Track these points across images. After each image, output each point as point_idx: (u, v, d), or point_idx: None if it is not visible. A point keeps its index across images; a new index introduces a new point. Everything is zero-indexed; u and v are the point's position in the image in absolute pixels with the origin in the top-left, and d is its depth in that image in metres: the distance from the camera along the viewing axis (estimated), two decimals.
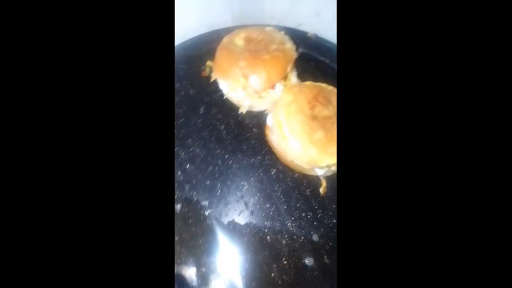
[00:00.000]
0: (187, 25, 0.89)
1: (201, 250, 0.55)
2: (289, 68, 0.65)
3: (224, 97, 0.72)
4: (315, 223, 0.60)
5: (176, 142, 0.67)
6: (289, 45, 0.67)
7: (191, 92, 0.75)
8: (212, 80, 0.71)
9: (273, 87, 0.67)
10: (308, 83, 0.66)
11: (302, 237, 0.58)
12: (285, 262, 0.55)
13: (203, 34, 0.86)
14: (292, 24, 0.97)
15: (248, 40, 0.68)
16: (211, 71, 0.73)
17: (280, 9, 1.00)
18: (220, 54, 0.67)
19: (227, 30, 0.75)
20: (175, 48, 0.81)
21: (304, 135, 0.56)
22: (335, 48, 0.84)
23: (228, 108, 0.72)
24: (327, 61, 0.82)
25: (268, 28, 0.75)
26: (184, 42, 0.83)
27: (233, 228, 0.58)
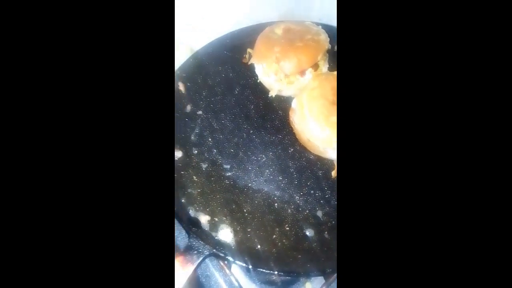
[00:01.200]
0: (236, 21, 1.01)
1: (217, 203, 0.64)
2: (319, 57, 0.71)
3: (258, 81, 0.80)
4: (321, 201, 0.64)
5: (212, 114, 0.77)
6: (323, 37, 0.73)
7: (230, 75, 0.85)
8: (249, 63, 0.79)
9: (302, 73, 0.73)
10: (335, 72, 0.70)
11: (307, 211, 0.63)
12: (287, 228, 0.61)
13: (248, 26, 0.95)
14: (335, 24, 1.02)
15: (287, 30, 0.75)
16: (250, 58, 0.82)
17: (327, 11, 1.05)
18: (259, 40, 0.75)
19: (271, 23, 0.84)
20: (223, 37, 0.92)
21: (321, 116, 0.61)
22: None
23: (260, 91, 0.80)
24: None
25: (307, 22, 0.81)
26: (231, 32, 0.94)
27: (246, 191, 0.65)
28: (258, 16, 1.03)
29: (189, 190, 0.65)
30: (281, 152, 0.70)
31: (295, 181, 0.66)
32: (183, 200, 0.64)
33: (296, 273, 0.57)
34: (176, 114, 0.76)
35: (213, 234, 0.60)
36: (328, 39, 0.74)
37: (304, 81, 0.74)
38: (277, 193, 0.65)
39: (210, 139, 0.73)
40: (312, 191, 0.65)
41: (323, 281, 0.64)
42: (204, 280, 0.64)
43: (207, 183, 0.66)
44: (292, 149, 0.71)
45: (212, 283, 0.64)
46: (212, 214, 0.62)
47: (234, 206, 0.63)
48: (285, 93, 0.77)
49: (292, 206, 0.63)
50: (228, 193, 0.65)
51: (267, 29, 0.78)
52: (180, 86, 0.82)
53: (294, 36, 0.73)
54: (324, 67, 0.77)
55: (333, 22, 1.03)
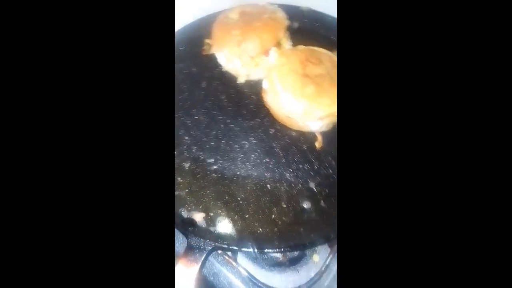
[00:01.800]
0: (187, 13, 0.97)
1: (209, 198, 0.61)
2: (281, 34, 0.71)
3: (223, 70, 0.78)
4: (311, 173, 0.64)
5: (182, 112, 0.74)
6: (281, 14, 0.73)
7: (193, 69, 0.82)
8: (210, 53, 0.77)
9: (266, 53, 0.72)
10: (300, 47, 0.71)
11: (300, 185, 0.63)
12: (284, 205, 0.60)
13: (201, 17, 0.93)
14: (292, 2, 1.02)
15: (242, 14, 0.74)
16: (210, 48, 0.80)
17: None
18: (216, 28, 0.74)
19: (224, 11, 0.82)
20: (176, 33, 0.88)
21: (296, 90, 0.62)
22: (329, 18, 0.88)
23: (227, 79, 0.78)
24: (321, 31, 0.86)
25: (262, 3, 0.81)
26: (184, 27, 0.91)
27: (236, 179, 0.63)
28: (209, 8, 1.00)
29: (177, 193, 0.62)
30: (263, 134, 0.70)
31: (282, 160, 0.66)
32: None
33: (302, 246, 0.57)
34: None
35: (211, 229, 0.57)
36: (286, 16, 0.74)
37: (270, 60, 0.73)
38: (267, 174, 0.64)
39: (187, 137, 0.70)
40: (300, 166, 0.65)
41: (329, 249, 0.65)
42: (212, 278, 0.62)
43: (194, 181, 0.63)
44: (273, 130, 0.70)
45: (222, 279, 0.62)
46: (206, 210, 0.60)
47: (227, 197, 0.61)
48: (254, 76, 0.76)
49: (285, 184, 0.63)
50: (218, 185, 0.63)
51: (221, 16, 0.76)
52: None
53: (251, 17, 0.72)
54: (287, 44, 0.77)
55: (289, 1, 1.04)
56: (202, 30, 0.85)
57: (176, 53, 0.82)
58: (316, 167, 0.65)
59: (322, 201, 0.61)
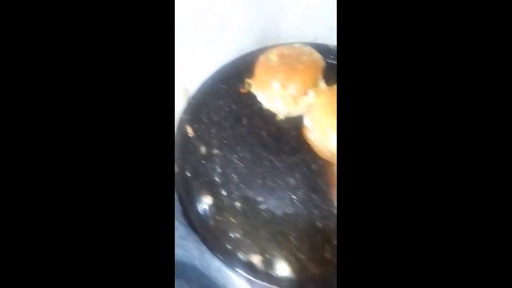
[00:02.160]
0: (215, 52, 1.03)
1: (262, 239, 0.63)
2: (319, 75, 0.75)
3: (264, 107, 0.83)
4: None
5: (227, 151, 0.78)
6: (317, 55, 0.78)
7: (233, 107, 0.86)
8: (249, 92, 0.81)
9: (306, 93, 0.76)
10: (335, 86, 0.75)
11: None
12: (335, 243, 0.62)
13: (236, 58, 0.98)
14: (308, 38, 1.08)
15: (281, 56, 0.79)
16: (250, 87, 0.84)
17: (295, 26, 1.11)
18: (259, 69, 0.78)
19: (261, 50, 0.87)
20: (214, 73, 0.93)
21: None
22: None
23: (267, 116, 0.82)
24: None
25: (296, 45, 0.86)
26: (222, 67, 0.96)
27: (286, 218, 0.66)
28: (238, 45, 1.07)
29: (231, 235, 0.64)
30: (307, 170, 0.72)
31: (326, 195, 0.68)
32: (229, 247, 0.62)
33: None
34: (192, 159, 0.75)
35: (271, 272, 0.59)
36: (322, 57, 0.79)
37: (309, 99, 0.77)
38: (315, 211, 0.66)
39: (234, 175, 0.73)
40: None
41: None
42: None
43: (247, 221, 0.66)
44: (315, 166, 0.73)
45: None
46: (262, 251, 0.62)
47: (280, 237, 0.63)
48: (293, 114, 0.79)
49: (332, 220, 0.65)
50: (271, 225, 0.65)
51: (261, 58, 0.81)
52: (188, 130, 0.81)
53: (290, 59, 0.77)
54: (321, 83, 0.81)
55: (303, 38, 1.10)
56: (239, 68, 0.90)
57: (217, 91, 0.88)
58: None
59: None
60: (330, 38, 1.06)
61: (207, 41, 1.02)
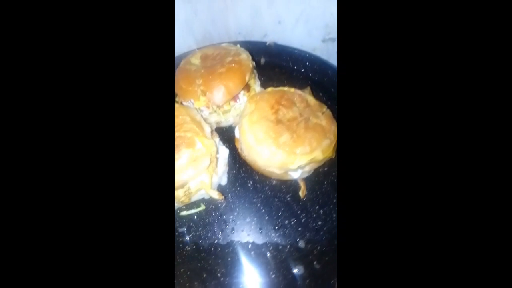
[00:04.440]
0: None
1: (183, 279, 0.52)
2: (247, 77, 0.65)
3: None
4: (299, 228, 0.57)
5: None
6: (245, 55, 0.68)
7: None
8: (179, 103, 0.70)
9: (235, 99, 0.67)
10: (269, 89, 0.66)
11: (288, 246, 0.55)
12: (273, 275, 0.52)
13: None
14: (258, 36, 1.00)
15: (204, 58, 0.69)
16: (176, 96, 0.73)
17: (244, 24, 1.03)
18: (178, 76, 0.67)
19: (187, 53, 0.77)
20: None
21: (269, 140, 0.55)
22: (296, 51, 0.85)
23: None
24: (290, 64, 0.83)
25: (223, 44, 0.76)
26: None
27: (214, 251, 0.55)
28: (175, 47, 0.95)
29: None
30: (240, 188, 0.62)
31: (265, 217, 0.59)
32: None
33: None
34: None
35: None
36: (250, 57, 0.69)
37: (240, 105, 0.68)
38: (250, 238, 0.56)
39: None
40: (286, 221, 0.58)
41: None
42: None
43: None
44: (251, 181, 0.63)
45: None
46: None
47: (205, 275, 0.53)
48: (224, 124, 0.69)
49: (271, 247, 0.55)
50: (194, 261, 0.54)
51: (182, 62, 0.71)
52: None
53: (214, 62, 0.67)
54: (256, 85, 0.72)
55: (253, 35, 1.01)
56: None
57: None
58: (303, 220, 0.58)
59: (315, 262, 0.54)
60: (279, 33, 1.00)
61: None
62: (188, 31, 1.00)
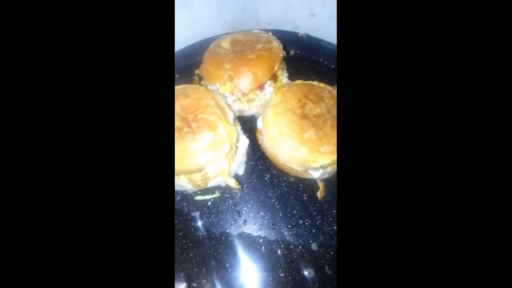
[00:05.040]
0: (179, 37, 0.91)
1: (192, 264, 0.52)
2: (276, 67, 0.63)
3: None
4: (313, 230, 0.55)
5: None
6: (276, 44, 0.65)
7: None
8: (204, 87, 0.69)
9: (261, 88, 0.64)
10: (298, 82, 0.63)
11: (300, 247, 0.53)
12: (282, 274, 0.51)
13: (193, 43, 0.86)
14: (288, 27, 0.96)
15: (234, 43, 0.67)
16: (200, 79, 0.72)
17: (275, 14, 0.99)
18: (206, 59, 0.66)
19: (217, 37, 0.75)
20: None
21: (293, 135, 0.53)
22: (329, 46, 0.81)
23: None
24: (321, 59, 0.79)
25: (255, 31, 0.73)
26: (176, 53, 0.84)
27: (225, 240, 0.54)
28: (202, 31, 0.94)
29: None
30: (257, 181, 0.61)
31: (279, 213, 0.57)
32: None
33: None
34: None
35: None
36: (281, 46, 0.66)
37: (265, 96, 0.65)
38: (261, 233, 0.55)
39: None
40: (301, 221, 0.56)
41: None
42: None
43: (175, 241, 0.54)
44: (268, 175, 0.61)
45: None
46: (188, 279, 0.50)
47: (213, 263, 0.52)
48: (247, 113, 0.67)
49: (282, 245, 0.54)
50: (204, 247, 0.53)
51: (212, 45, 0.69)
52: None
53: (244, 47, 0.64)
54: (283, 76, 0.69)
55: (283, 26, 0.98)
56: (194, 58, 0.78)
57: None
58: (318, 223, 0.56)
59: (326, 267, 0.51)
60: (310, 26, 0.96)
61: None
62: (218, 15, 0.98)
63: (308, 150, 0.52)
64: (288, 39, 0.80)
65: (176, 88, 0.60)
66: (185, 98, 0.56)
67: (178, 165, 0.50)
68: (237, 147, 0.57)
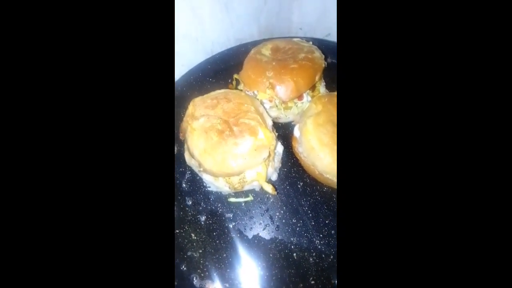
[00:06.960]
0: (214, 40, 0.93)
1: (224, 264, 0.53)
2: (317, 78, 0.63)
3: None
4: None
5: None
6: (318, 54, 0.66)
7: None
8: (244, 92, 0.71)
9: (300, 98, 0.65)
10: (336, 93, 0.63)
11: (332, 256, 0.54)
12: (313, 282, 0.51)
13: (230, 48, 0.88)
14: (320, 34, 0.97)
15: (275, 50, 0.68)
16: (238, 84, 0.74)
17: (309, 20, 1.00)
18: (247, 65, 0.67)
19: (255, 43, 0.77)
20: (203, 62, 0.84)
21: (334, 147, 0.54)
22: None
23: None
24: None
25: (295, 39, 0.74)
26: (213, 57, 0.86)
27: (257, 243, 0.55)
28: (238, 34, 0.96)
29: (189, 253, 0.54)
30: (290, 188, 0.61)
31: (311, 221, 0.57)
32: (183, 268, 0.53)
33: None
34: None
35: None
36: (323, 56, 0.67)
37: (303, 104, 0.66)
38: (294, 239, 0.56)
39: (204, 184, 0.63)
40: (333, 231, 0.56)
41: None
42: None
43: (209, 240, 0.56)
44: (301, 183, 0.62)
45: None
46: (222, 279, 0.52)
47: (245, 265, 0.53)
48: (283, 120, 0.69)
49: (314, 254, 0.54)
50: (236, 249, 0.55)
51: (253, 51, 0.71)
52: None
53: (285, 55, 0.66)
54: (321, 86, 0.70)
55: (315, 33, 0.98)
56: (231, 62, 0.80)
57: (203, 86, 0.78)
58: None
59: None
60: None
61: (203, 27, 0.91)
62: (255, 19, 1.00)
63: None
64: (324, 47, 0.80)
65: (218, 92, 0.62)
66: (227, 102, 0.58)
67: (219, 167, 0.52)
68: (275, 153, 0.58)
